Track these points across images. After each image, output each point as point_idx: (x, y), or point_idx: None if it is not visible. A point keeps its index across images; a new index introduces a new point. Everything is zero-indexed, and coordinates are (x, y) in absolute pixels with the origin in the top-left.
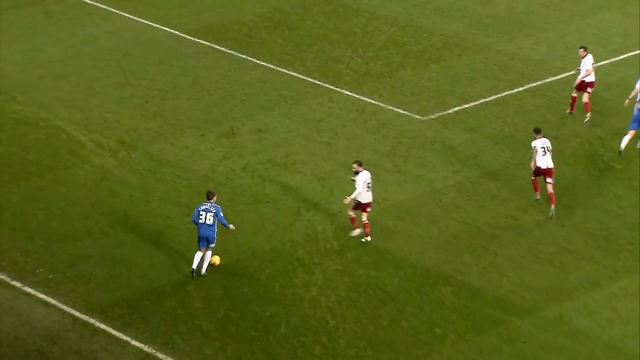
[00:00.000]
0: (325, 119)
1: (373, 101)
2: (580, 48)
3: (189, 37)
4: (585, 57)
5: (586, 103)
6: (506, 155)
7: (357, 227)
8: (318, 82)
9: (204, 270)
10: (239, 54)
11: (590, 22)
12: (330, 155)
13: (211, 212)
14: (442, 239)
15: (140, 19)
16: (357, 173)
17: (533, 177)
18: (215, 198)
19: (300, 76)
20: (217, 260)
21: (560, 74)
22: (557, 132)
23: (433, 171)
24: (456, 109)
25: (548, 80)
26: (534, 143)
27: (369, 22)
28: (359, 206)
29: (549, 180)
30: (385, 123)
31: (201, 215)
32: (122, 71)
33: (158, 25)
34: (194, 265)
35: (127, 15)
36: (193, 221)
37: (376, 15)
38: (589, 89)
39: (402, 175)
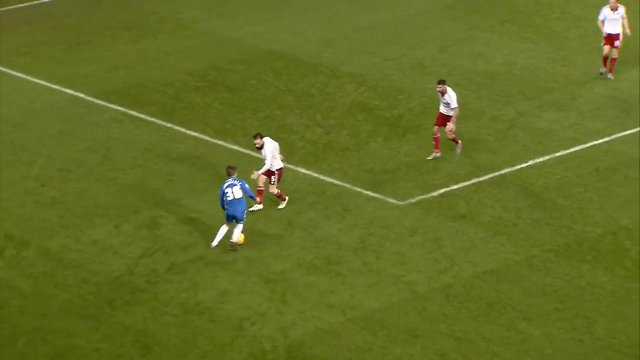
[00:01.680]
0: (273, 204)
1: (336, 181)
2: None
3: (99, 102)
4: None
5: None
6: (507, 249)
7: (285, 198)
8: None
9: (234, 238)
10: (164, 123)
11: (606, 82)
12: (282, 250)
13: (236, 185)
14: (426, 358)
15: (36, 80)
16: (260, 147)
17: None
18: (236, 173)
19: (243, 150)
20: (242, 238)
21: (572, 146)
22: (571, 221)
23: (414, 270)
24: (442, 190)
25: (557, 154)
26: None
27: (329, 81)
28: (270, 173)
29: None
30: (351, 209)
31: (227, 193)
32: (10, 146)
33: (59, 87)
34: (214, 242)
35: (18, 74)
36: (222, 206)
37: (339, 72)
38: (616, 43)
39: (375, 276)
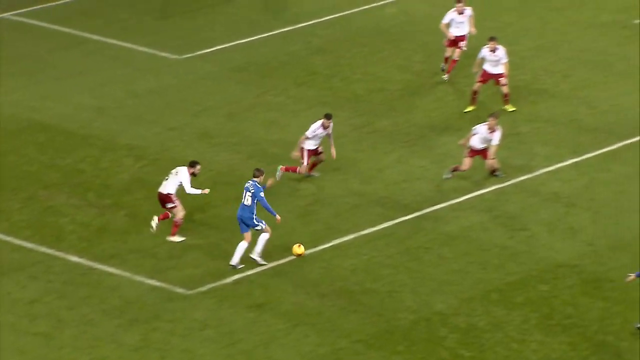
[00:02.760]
0: (41, 298)
1: (113, 269)
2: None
3: None
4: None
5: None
6: (311, 341)
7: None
8: (29, 245)
9: (256, 256)
10: None
11: (416, 152)
12: (51, 352)
13: (251, 191)
14: None
15: None
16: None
17: None
18: (261, 178)
19: (2, 236)
20: (297, 249)
21: (380, 223)
22: (381, 307)
23: None
24: (236, 277)
25: (364, 232)
26: None
27: (104, 155)
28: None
29: None
30: (132, 301)
31: (244, 193)
32: None
33: None
34: (232, 261)
35: None
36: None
37: (115, 144)
38: (462, 44)
39: None
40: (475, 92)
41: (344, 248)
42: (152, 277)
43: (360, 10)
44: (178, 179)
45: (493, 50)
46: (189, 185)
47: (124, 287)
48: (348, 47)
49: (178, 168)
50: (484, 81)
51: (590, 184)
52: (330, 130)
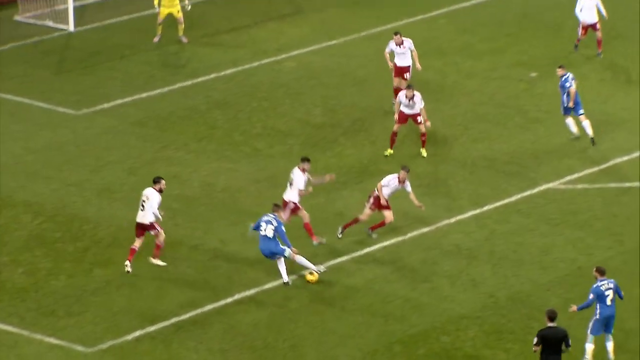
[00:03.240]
0: None
1: (10, 328)
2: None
3: None
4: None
5: None
6: None
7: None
8: None
9: (285, 279)
10: None
11: (334, 205)
12: None
13: (272, 224)
14: None
15: None
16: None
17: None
18: (279, 212)
19: None
20: (310, 277)
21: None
22: None
23: None
24: (137, 333)
25: (266, 287)
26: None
27: (0, 212)
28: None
29: None
30: None
31: (262, 226)
32: None
33: None
34: (285, 279)
35: None
36: (254, 228)
37: (11, 201)
38: (407, 75)
39: None
40: (394, 134)
41: (246, 302)
42: (50, 335)
43: (259, 65)
44: (151, 203)
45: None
46: (157, 205)
47: (22, 345)
48: (248, 101)
49: (146, 192)
50: (401, 123)
51: (490, 235)
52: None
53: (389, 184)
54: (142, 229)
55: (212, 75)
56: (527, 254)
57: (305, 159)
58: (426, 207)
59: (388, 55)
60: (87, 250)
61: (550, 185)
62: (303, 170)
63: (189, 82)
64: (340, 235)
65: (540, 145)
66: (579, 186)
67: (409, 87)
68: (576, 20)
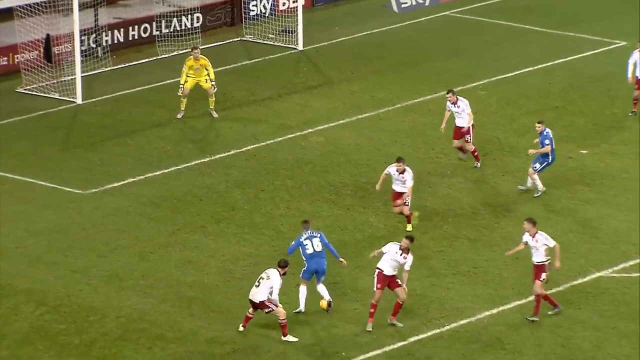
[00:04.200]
0: None
1: None
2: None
3: None
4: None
5: None
6: None
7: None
8: None
9: (325, 304)
10: None
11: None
12: None
13: (316, 237)
14: None
15: None
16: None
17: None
18: (309, 226)
19: None
20: (324, 304)
21: None
22: None
23: None
24: None
25: None
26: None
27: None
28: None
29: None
30: None
31: (306, 244)
32: None
33: None
34: (302, 306)
35: None
36: (290, 252)
37: (12, 289)
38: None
39: None
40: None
41: None
42: None
43: (283, 140)
44: (270, 284)
45: (401, 172)
46: (277, 290)
47: None
48: (270, 179)
49: (268, 271)
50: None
51: (536, 328)
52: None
53: (389, 250)
54: (254, 306)
55: (232, 152)
56: (578, 349)
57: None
58: (465, 298)
59: (448, 114)
60: (93, 344)
61: (602, 273)
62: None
63: (206, 159)
64: (370, 329)
65: (590, 229)
66: (634, 275)
67: (399, 160)
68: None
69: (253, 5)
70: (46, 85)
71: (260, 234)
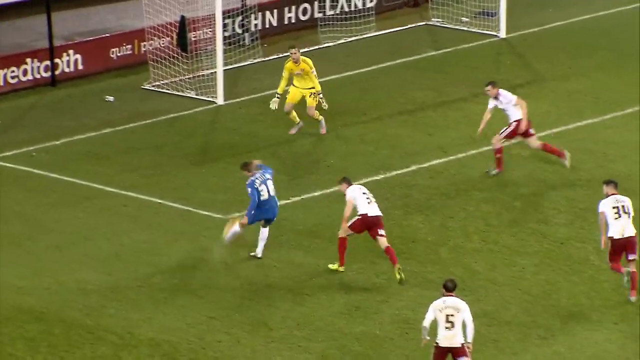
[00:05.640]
0: None
1: None
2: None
3: None
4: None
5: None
6: None
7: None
8: None
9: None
10: None
11: None
12: None
13: (269, 179)
14: None
15: None
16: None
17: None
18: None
19: None
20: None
21: None
22: None
23: None
24: None
25: None
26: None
27: (119, 355)
28: None
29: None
30: None
31: (261, 190)
32: None
33: None
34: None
35: None
36: (252, 220)
37: (134, 339)
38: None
39: None
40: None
41: None
42: None
43: (477, 153)
44: (460, 317)
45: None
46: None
47: None
48: (462, 203)
49: (450, 303)
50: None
51: None
52: None
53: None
54: (454, 354)
55: (412, 167)
56: None
57: None
58: None
59: (489, 115)
60: None
61: None
62: None
63: (379, 177)
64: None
65: None
66: None
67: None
68: None
69: None
70: (179, 81)
71: (447, 273)
